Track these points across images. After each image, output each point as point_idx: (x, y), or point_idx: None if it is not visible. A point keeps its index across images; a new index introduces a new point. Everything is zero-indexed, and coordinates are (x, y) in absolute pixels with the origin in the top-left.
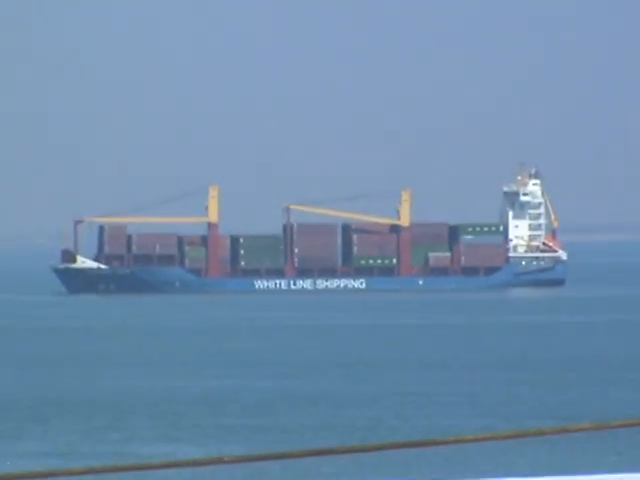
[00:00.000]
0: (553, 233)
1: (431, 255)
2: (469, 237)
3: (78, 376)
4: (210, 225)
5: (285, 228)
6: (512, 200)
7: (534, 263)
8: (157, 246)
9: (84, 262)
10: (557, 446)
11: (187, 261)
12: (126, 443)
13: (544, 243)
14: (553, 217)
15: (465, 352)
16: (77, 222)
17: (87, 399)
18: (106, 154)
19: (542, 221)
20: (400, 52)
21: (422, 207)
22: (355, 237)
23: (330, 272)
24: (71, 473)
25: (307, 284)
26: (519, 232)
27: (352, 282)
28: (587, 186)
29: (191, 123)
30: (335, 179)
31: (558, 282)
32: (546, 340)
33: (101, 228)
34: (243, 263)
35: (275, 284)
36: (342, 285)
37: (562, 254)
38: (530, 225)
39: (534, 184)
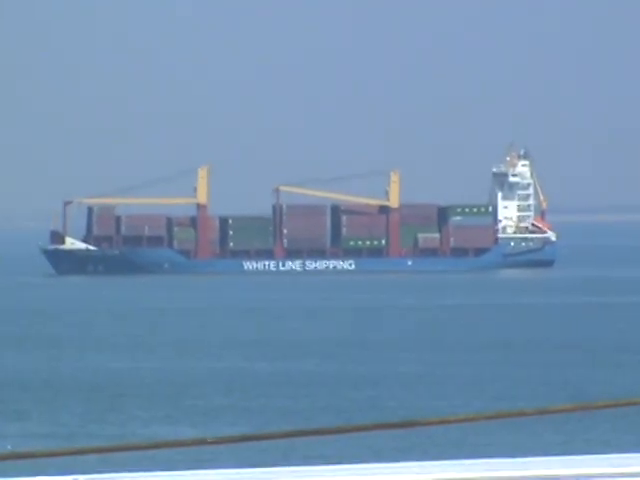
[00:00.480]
0: (542, 214)
1: (420, 236)
2: (458, 218)
3: (71, 358)
4: (199, 206)
5: (274, 209)
6: (501, 181)
7: (523, 244)
8: (146, 227)
9: (73, 243)
10: (540, 427)
11: (176, 242)
12: (124, 425)
13: (533, 224)
14: (542, 198)
15: (457, 333)
16: (66, 203)
17: (82, 381)
18: (95, 135)
19: (531, 202)
20: (389, 34)
21: (411, 188)
22: (344, 218)
23: (319, 253)
24: (45, 455)
25: (296, 265)
26: (508, 213)
27: (341, 263)
28: (576, 167)
29: (181, 105)
30: (324, 161)
31: (547, 263)
32: (536, 321)
33: (90, 209)
34: (232, 244)
35: (264, 265)
36: (331, 266)
37: (551, 235)
38: (519, 206)
39: (523, 165)
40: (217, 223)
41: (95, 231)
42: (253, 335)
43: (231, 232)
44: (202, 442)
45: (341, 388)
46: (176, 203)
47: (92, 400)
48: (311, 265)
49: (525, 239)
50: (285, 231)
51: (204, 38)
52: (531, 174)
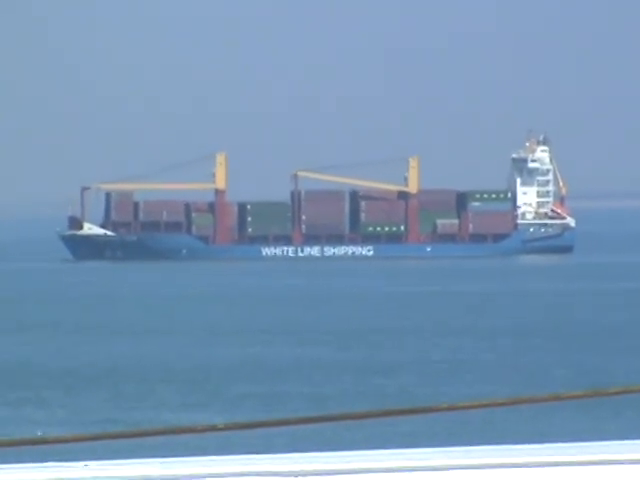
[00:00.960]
0: (561, 200)
1: (439, 222)
2: (477, 204)
3: (94, 344)
4: (217, 192)
5: (293, 195)
6: (520, 167)
7: (542, 230)
8: (164, 213)
9: (91, 229)
10: (554, 413)
11: (194, 228)
12: (151, 411)
13: (552, 210)
14: (561, 184)
15: (477, 319)
16: (84, 189)
17: (108, 367)
18: (113, 120)
19: (550, 188)
20: (410, 17)
21: (430, 174)
22: (363, 204)
23: (338, 239)
24: (57, 441)
25: (314, 251)
26: (527, 199)
27: (360, 249)
28: (595, 153)
29: (199, 90)
30: (343, 146)
31: (566, 249)
32: (555, 307)
33: (108, 195)
34: (250, 230)
35: (282, 251)
36: (350, 252)
37: (570, 221)
38: (538, 192)
39: (542, 151)
40: (235, 209)
41: (113, 217)
42: (275, 321)
43: (249, 218)
44: (213, 428)
45: (365, 375)
46: (194, 189)
47: (118, 386)
48: (330, 251)
49: (544, 225)
50: (304, 217)
51: (222, 22)
52: (550, 160)
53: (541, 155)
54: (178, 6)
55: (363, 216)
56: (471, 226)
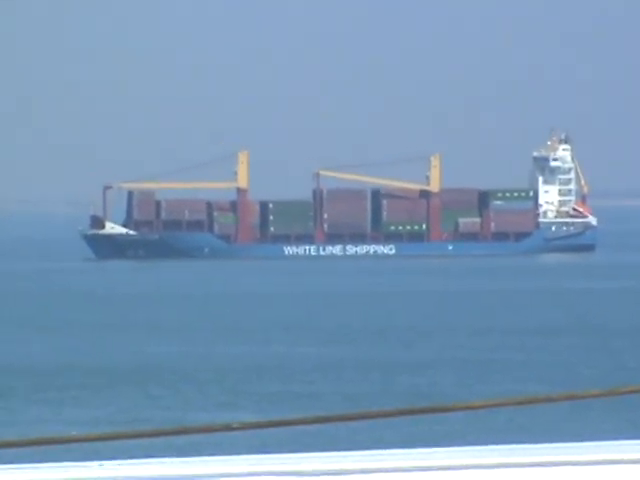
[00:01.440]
0: (583, 198)
1: (461, 221)
2: (499, 202)
3: (121, 343)
4: (239, 191)
5: (315, 194)
6: (542, 165)
7: (564, 229)
8: (186, 212)
9: (113, 228)
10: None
11: (216, 227)
12: (181, 410)
13: (574, 208)
14: (583, 182)
15: (501, 317)
16: (106, 188)
17: (136, 366)
18: (135, 119)
19: (572, 186)
20: (430, 17)
21: (452, 173)
22: (385, 202)
23: (360, 238)
24: (72, 440)
25: (337, 250)
26: (549, 197)
27: (381, 248)
28: (617, 151)
29: (220, 89)
30: (364, 145)
31: (588, 247)
32: (578, 305)
33: (130, 194)
34: (272, 229)
35: (304, 250)
36: (371, 251)
37: (592, 219)
38: (560, 190)
39: (564, 149)
40: (257, 207)
41: (135, 216)
42: (300, 319)
43: (271, 217)
44: (228, 428)
45: (392, 374)
46: (216, 187)
47: (148, 385)
48: (351, 250)
49: (566, 223)
50: (326, 216)
51: (242, 20)
52: (572, 158)
53: (563, 154)
54: (199, 5)
55: (385, 215)
56: (493, 225)
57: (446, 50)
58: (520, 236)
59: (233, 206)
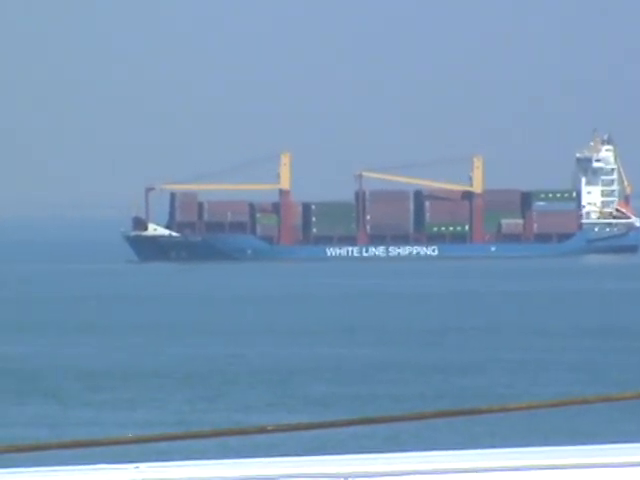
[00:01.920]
0: (626, 199)
1: (504, 222)
2: (542, 203)
3: (169, 344)
4: (282, 192)
5: (357, 195)
6: (585, 166)
7: (607, 230)
8: (229, 213)
9: (156, 230)
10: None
11: (259, 228)
12: (232, 412)
13: (617, 209)
14: (626, 183)
15: (547, 319)
16: (148, 189)
17: (185, 368)
18: (177, 121)
19: (615, 187)
20: (467, 19)
21: (494, 174)
22: (427, 204)
23: (402, 239)
24: (109, 443)
25: (379, 251)
26: (592, 198)
27: (424, 249)
28: None
29: (262, 90)
30: (406, 146)
31: (631, 248)
32: (622, 307)
33: (172, 195)
34: (315, 230)
35: (347, 251)
36: (414, 252)
37: (635, 220)
38: (603, 191)
39: (607, 150)
40: (300, 209)
41: (178, 217)
42: (347, 321)
43: (314, 218)
44: (262, 430)
45: (442, 375)
46: (259, 189)
47: (198, 387)
48: (394, 251)
49: (609, 224)
50: (368, 217)
51: (282, 21)
52: (615, 159)
53: (606, 154)
54: (241, 6)
55: (428, 216)
56: (536, 226)
57: (488, 51)
58: (563, 237)
59: (276, 208)
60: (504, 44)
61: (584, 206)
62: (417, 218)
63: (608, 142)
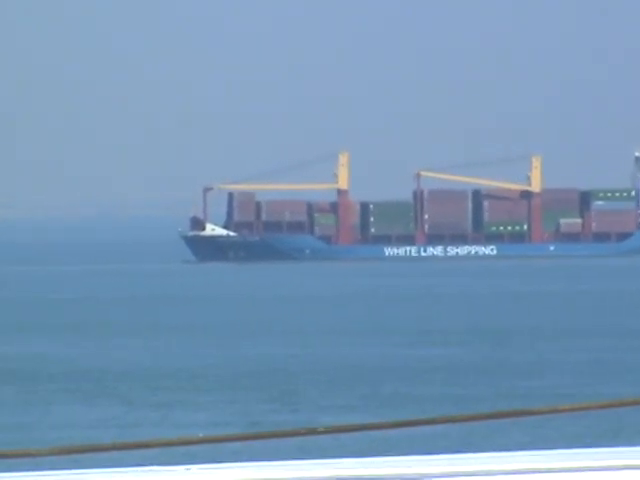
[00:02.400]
0: None
1: (562, 221)
2: (600, 203)
3: (225, 345)
4: (340, 192)
5: (415, 194)
6: None
7: None
8: (287, 213)
9: (213, 230)
10: None
11: (317, 228)
12: (301, 413)
13: None
14: None
15: (608, 318)
16: (206, 189)
17: (253, 369)
18: (234, 121)
19: None
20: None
21: (553, 173)
22: (486, 203)
23: (460, 238)
24: (159, 445)
25: (437, 251)
26: None
27: (482, 248)
28: None
29: (322, 89)
30: (465, 145)
31: None
32: None
33: (230, 195)
34: (373, 230)
35: (405, 251)
36: (473, 251)
37: None
38: None
39: None
40: (358, 208)
41: (235, 217)
42: (409, 321)
43: (372, 218)
44: (313, 432)
45: (500, 376)
46: (316, 189)
47: (264, 388)
48: (452, 250)
49: None
50: (426, 216)
51: (339, 19)
52: None
53: None
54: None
55: (486, 215)
56: (594, 225)
57: (546, 49)
58: (622, 236)
59: (334, 207)
60: (561, 43)
61: None
62: (475, 217)
63: None
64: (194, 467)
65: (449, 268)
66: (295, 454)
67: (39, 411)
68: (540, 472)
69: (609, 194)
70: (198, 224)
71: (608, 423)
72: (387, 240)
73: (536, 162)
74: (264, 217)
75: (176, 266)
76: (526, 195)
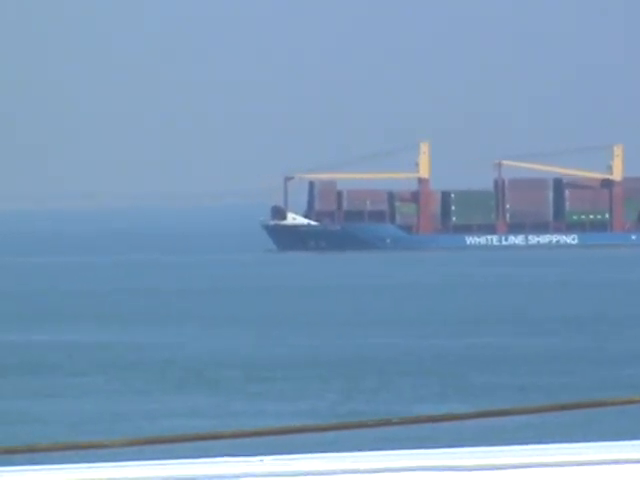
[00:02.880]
0: None
1: None
2: None
3: (315, 335)
4: (421, 180)
5: (496, 183)
6: None
7: None
8: (368, 202)
9: (294, 219)
10: None
11: (398, 217)
12: (391, 403)
13: None
14: None
15: None
16: (287, 179)
17: (335, 358)
18: (316, 110)
19: None
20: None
21: (635, 162)
22: (567, 192)
23: (542, 227)
24: (231, 436)
25: (519, 240)
26: None
27: (564, 237)
28: None
29: (403, 78)
30: (546, 134)
31: None
32: None
33: (311, 184)
34: (454, 219)
35: (486, 240)
36: (554, 240)
37: None
38: None
39: None
40: (439, 197)
41: (317, 206)
42: (496, 310)
43: (453, 207)
44: (387, 423)
45: (596, 365)
46: (397, 178)
47: (355, 378)
48: (534, 239)
49: None
50: (508, 205)
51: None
52: None
53: None
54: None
55: (567, 204)
56: None
57: (627, 35)
58: None
59: (415, 196)
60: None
61: None
62: (557, 206)
63: None
64: (267, 458)
65: (531, 257)
66: (369, 445)
67: (130, 400)
68: (618, 463)
69: None
70: (279, 213)
71: None
72: (468, 229)
73: (618, 151)
74: (345, 206)
75: (257, 255)
76: (607, 184)
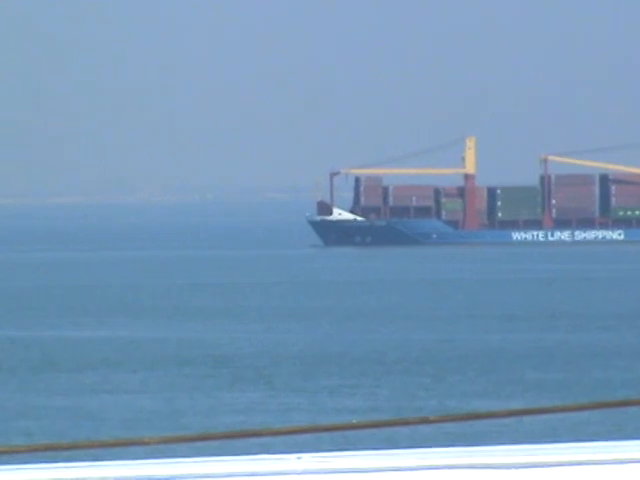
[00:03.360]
0: None
1: None
2: None
3: (366, 330)
4: (467, 176)
5: (542, 179)
6: None
7: None
8: (414, 198)
9: (340, 214)
10: None
11: (444, 213)
12: (444, 399)
13: None
14: None
15: None
16: (333, 174)
17: (397, 354)
18: (359, 105)
19: None
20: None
21: None
22: (613, 188)
23: (588, 223)
24: (269, 434)
25: (565, 235)
26: None
27: (610, 233)
28: None
29: (452, 73)
30: (592, 130)
31: None
32: None
33: (357, 180)
34: (500, 214)
35: (532, 235)
36: (600, 236)
37: None
38: None
39: None
40: (485, 193)
41: (362, 202)
42: (543, 306)
43: (499, 202)
44: (424, 420)
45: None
46: (443, 173)
47: (410, 373)
48: (580, 235)
49: None
50: (554, 201)
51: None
52: None
53: None
54: None
55: (614, 200)
56: None
57: None
58: None
59: (461, 192)
60: None
61: None
62: (603, 202)
63: None
64: (306, 456)
65: (577, 252)
66: (406, 442)
67: (183, 397)
68: None
69: None
70: (325, 209)
71: None
72: (514, 225)
73: None
74: (391, 202)
75: (303, 251)
76: None
